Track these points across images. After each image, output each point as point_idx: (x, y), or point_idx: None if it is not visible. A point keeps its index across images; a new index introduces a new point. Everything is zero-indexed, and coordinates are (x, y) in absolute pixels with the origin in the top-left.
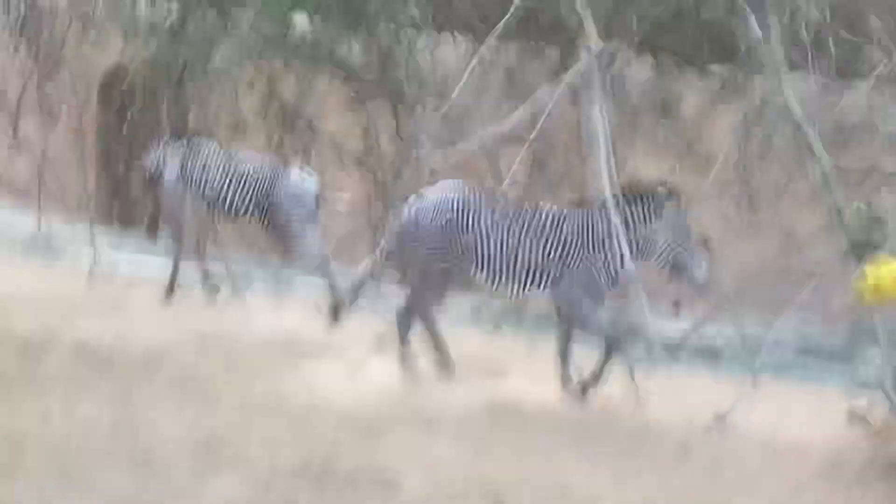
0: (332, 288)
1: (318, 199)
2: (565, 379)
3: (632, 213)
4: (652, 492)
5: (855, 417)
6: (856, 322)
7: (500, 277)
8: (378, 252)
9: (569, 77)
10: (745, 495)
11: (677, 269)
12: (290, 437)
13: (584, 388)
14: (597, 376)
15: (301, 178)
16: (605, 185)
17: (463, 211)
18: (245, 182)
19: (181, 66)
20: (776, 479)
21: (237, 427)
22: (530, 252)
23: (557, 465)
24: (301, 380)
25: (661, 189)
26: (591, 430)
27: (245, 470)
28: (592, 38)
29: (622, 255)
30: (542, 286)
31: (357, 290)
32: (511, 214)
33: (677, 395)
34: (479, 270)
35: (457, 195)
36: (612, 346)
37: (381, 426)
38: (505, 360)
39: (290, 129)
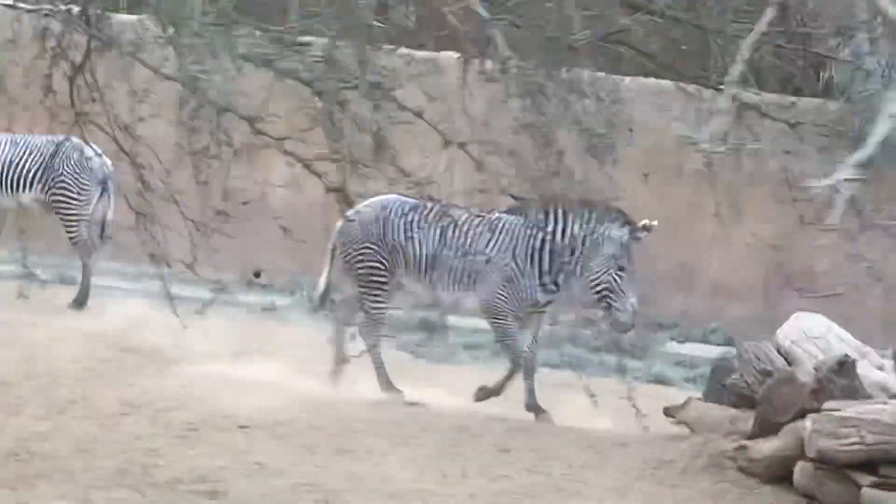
0: (84, 276)
1: (108, 180)
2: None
3: (564, 230)
4: (477, 490)
5: (671, 413)
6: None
7: (426, 280)
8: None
9: None
10: (572, 494)
11: (603, 303)
12: (105, 444)
13: (486, 396)
14: (499, 388)
15: (86, 157)
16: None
17: (391, 219)
18: (25, 157)
19: None
20: (603, 475)
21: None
22: (454, 256)
23: (383, 466)
24: (114, 383)
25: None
26: (413, 431)
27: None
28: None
29: (542, 270)
30: (464, 289)
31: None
32: (440, 220)
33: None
34: (407, 273)
35: (386, 204)
36: (517, 362)
37: (198, 432)
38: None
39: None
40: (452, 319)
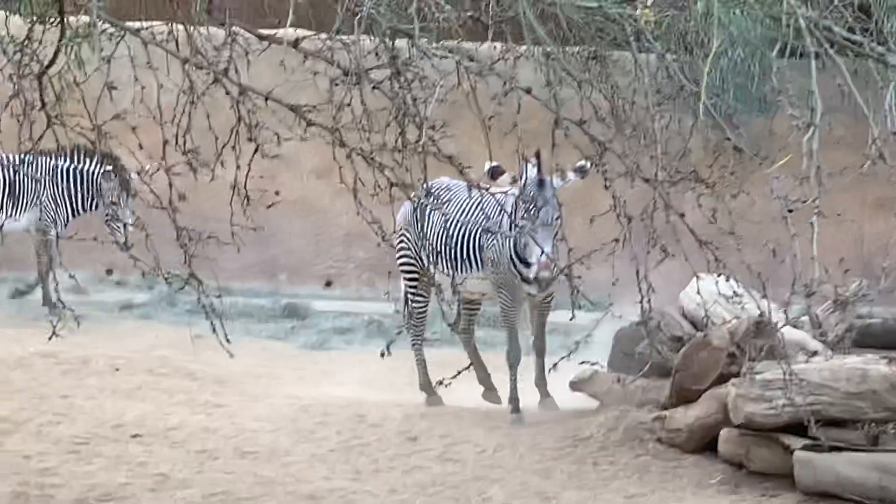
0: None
1: None
2: None
3: None
4: (395, 484)
5: (579, 387)
6: None
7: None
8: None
9: None
10: (494, 480)
11: None
12: None
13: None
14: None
15: None
16: None
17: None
18: None
19: None
20: (519, 457)
21: None
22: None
23: (292, 467)
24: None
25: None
26: (310, 425)
27: None
28: None
29: None
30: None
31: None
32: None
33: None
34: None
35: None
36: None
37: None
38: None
39: None
40: (320, 304)
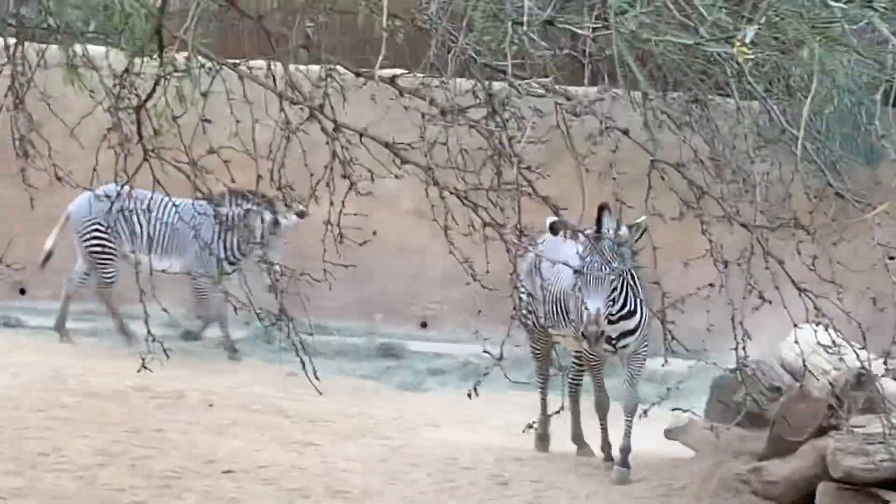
0: None
1: None
2: None
3: None
4: None
5: (673, 435)
6: None
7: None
8: None
9: None
10: None
11: None
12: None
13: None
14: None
15: None
16: None
17: None
18: None
19: None
20: (621, 503)
21: None
22: None
23: None
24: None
25: None
26: (400, 466)
27: None
28: None
29: None
30: None
31: None
32: None
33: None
34: None
35: None
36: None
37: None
38: None
39: None
40: (415, 345)
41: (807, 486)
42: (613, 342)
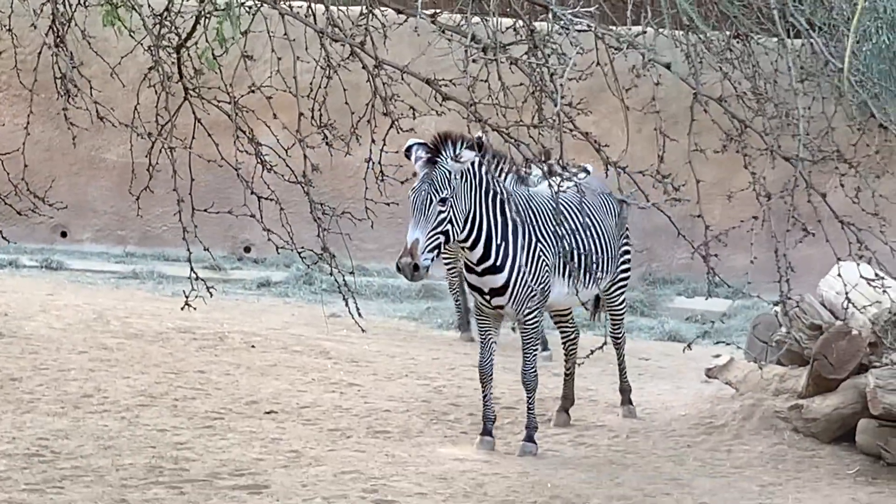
0: None
1: None
2: None
3: None
4: (528, 468)
5: (714, 374)
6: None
7: None
8: None
9: None
10: (627, 465)
11: None
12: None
13: None
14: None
15: None
16: None
17: None
18: None
19: None
20: (653, 443)
21: None
22: None
23: (424, 448)
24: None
25: None
26: (441, 406)
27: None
28: None
29: None
30: None
31: None
32: None
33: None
34: None
35: None
36: None
37: (224, 421)
38: None
39: None
40: None
41: (847, 423)
42: (486, 298)
